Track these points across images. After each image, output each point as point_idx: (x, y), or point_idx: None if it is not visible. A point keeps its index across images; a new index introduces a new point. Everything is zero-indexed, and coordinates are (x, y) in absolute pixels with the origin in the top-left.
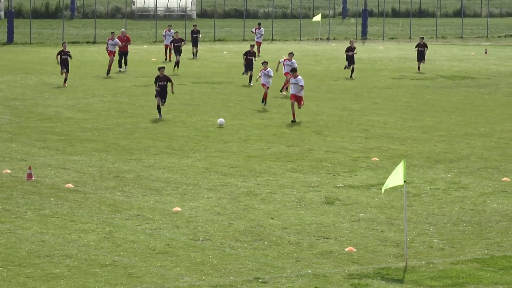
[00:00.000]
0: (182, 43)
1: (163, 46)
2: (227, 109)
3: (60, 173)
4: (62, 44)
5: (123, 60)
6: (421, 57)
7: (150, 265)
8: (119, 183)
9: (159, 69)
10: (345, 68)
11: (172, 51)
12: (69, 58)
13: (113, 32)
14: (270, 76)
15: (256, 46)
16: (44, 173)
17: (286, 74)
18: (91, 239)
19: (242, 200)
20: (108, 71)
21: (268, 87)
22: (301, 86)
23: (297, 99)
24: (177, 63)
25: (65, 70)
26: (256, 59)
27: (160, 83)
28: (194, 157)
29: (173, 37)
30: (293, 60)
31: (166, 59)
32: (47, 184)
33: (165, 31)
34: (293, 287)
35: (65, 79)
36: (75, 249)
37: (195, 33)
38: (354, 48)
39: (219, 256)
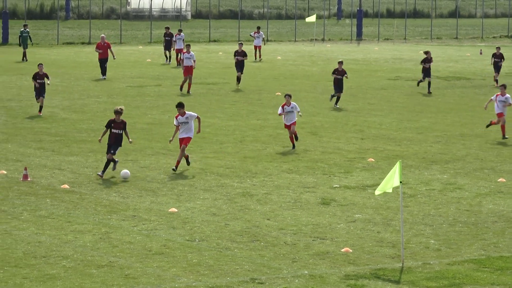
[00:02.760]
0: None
1: (174, 51)
2: (222, 110)
3: (56, 173)
4: (38, 66)
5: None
6: (497, 68)
7: (147, 266)
8: (115, 184)
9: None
10: (418, 83)
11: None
12: (46, 82)
13: (188, 44)
14: (298, 111)
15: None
16: (40, 174)
17: (499, 115)
18: (87, 240)
19: (238, 201)
20: (181, 88)
21: (291, 126)
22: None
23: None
24: (238, 79)
25: (41, 97)
26: (347, 76)
27: None
28: (190, 158)
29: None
30: (507, 95)
31: (178, 64)
32: (43, 185)
33: (175, 36)
34: (290, 287)
35: (41, 107)
36: (71, 250)
37: (168, 36)
38: (431, 59)
39: (216, 257)
